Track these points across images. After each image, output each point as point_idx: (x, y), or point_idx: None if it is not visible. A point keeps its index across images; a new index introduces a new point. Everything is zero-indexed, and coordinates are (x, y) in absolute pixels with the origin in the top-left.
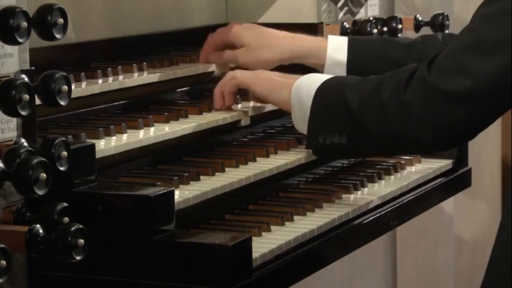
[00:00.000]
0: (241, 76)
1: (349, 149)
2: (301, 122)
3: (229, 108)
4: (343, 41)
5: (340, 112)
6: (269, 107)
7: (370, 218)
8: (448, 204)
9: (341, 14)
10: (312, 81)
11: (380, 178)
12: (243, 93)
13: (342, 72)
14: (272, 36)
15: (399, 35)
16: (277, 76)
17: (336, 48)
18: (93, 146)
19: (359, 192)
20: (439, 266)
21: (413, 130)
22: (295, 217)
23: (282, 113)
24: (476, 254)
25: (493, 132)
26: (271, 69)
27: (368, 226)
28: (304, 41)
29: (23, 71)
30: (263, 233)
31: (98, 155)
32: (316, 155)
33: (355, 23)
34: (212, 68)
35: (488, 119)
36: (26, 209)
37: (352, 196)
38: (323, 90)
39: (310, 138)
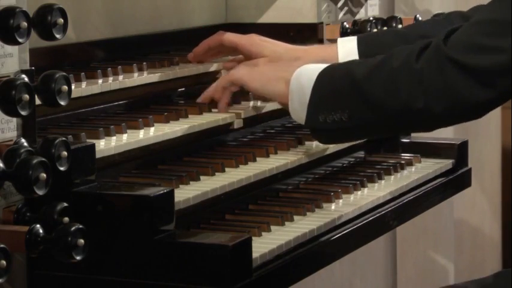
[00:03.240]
0: (237, 72)
1: (350, 126)
2: (299, 108)
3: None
4: (353, 45)
5: (344, 86)
6: (268, 107)
7: (370, 218)
8: (448, 204)
9: (341, 14)
10: (315, 67)
11: (380, 178)
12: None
13: None
14: (290, 48)
15: None
16: (273, 69)
17: (347, 54)
18: (93, 146)
19: (359, 192)
20: (439, 266)
21: (423, 99)
22: (295, 217)
23: (282, 113)
24: (476, 254)
25: (493, 132)
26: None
27: (368, 226)
28: (316, 52)
29: (23, 71)
30: (263, 233)
31: (98, 155)
32: (316, 137)
33: (355, 23)
34: (212, 67)
35: (499, 98)
36: (26, 209)
37: (352, 196)
38: (327, 71)
39: (309, 118)
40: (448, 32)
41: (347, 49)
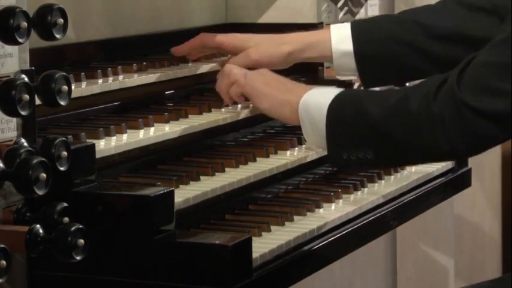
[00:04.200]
0: (245, 87)
1: (376, 161)
2: (313, 136)
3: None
4: (346, 30)
5: (361, 127)
6: None
7: (370, 218)
8: (448, 204)
9: (341, 14)
10: (320, 97)
11: (380, 178)
12: None
13: (351, 61)
14: (276, 36)
15: None
16: (278, 92)
17: (340, 39)
18: (93, 146)
19: (359, 192)
20: (439, 266)
21: (447, 142)
22: (295, 217)
23: None
24: (476, 254)
25: None
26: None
27: (368, 226)
28: (305, 35)
29: (23, 71)
30: (263, 233)
31: (98, 155)
32: (341, 170)
33: None
34: (212, 68)
35: None
36: (26, 209)
37: (352, 196)
38: (336, 106)
39: (332, 156)
40: (460, 72)
41: (340, 34)
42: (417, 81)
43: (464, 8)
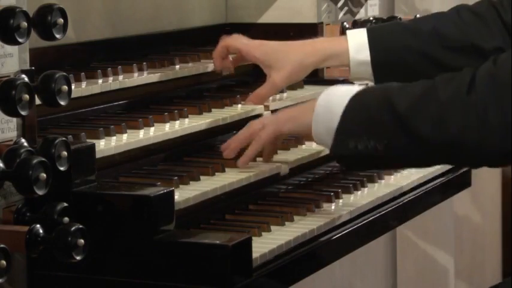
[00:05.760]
0: (266, 131)
1: (384, 155)
2: (324, 132)
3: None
4: (363, 38)
5: (384, 115)
6: (271, 106)
7: (370, 218)
8: (448, 204)
9: (341, 14)
10: (344, 91)
11: (380, 178)
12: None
13: (368, 69)
14: (295, 47)
15: None
16: (297, 108)
17: (358, 48)
18: (93, 146)
19: (359, 192)
20: (439, 266)
21: (476, 133)
22: (295, 217)
23: None
24: (476, 254)
25: None
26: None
27: (368, 226)
28: (324, 46)
29: (23, 71)
30: (263, 233)
31: (98, 155)
32: (342, 163)
33: (355, 23)
34: (212, 68)
35: None
36: (26, 209)
37: (352, 196)
38: (360, 96)
39: (337, 144)
40: (494, 57)
41: (358, 43)
42: (444, 74)
43: (476, 17)
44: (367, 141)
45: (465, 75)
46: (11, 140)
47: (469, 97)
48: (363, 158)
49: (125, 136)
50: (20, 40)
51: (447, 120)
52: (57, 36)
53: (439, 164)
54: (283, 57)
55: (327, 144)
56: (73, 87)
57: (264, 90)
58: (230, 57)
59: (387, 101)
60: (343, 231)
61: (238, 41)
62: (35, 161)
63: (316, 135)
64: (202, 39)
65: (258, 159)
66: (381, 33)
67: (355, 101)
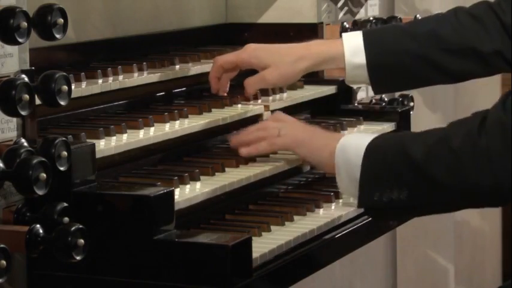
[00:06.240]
0: (282, 141)
1: (409, 205)
2: (348, 183)
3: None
4: (359, 41)
5: (400, 165)
6: (272, 106)
7: (370, 218)
8: None
9: (341, 14)
10: (359, 139)
11: None
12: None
13: (364, 73)
14: (290, 50)
15: None
16: (317, 137)
17: (353, 52)
18: (93, 146)
19: None
20: (439, 266)
21: (491, 178)
22: (295, 217)
23: None
24: (476, 255)
25: None
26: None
27: (368, 226)
28: (320, 49)
29: (23, 71)
30: (263, 233)
31: (98, 155)
32: (369, 214)
33: (355, 23)
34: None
35: None
36: (26, 209)
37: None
38: (376, 145)
39: (363, 197)
40: (503, 102)
41: (353, 46)
42: (455, 121)
43: (474, 20)
44: (390, 192)
45: (475, 120)
46: (11, 140)
47: (480, 143)
48: (390, 208)
49: (125, 136)
50: (20, 40)
51: (461, 167)
52: (57, 36)
53: (464, 208)
54: (278, 59)
55: (353, 194)
56: (73, 87)
57: (252, 83)
58: (224, 78)
59: (403, 151)
60: (343, 231)
61: (230, 55)
62: (35, 161)
63: (341, 184)
64: (202, 39)
65: (258, 159)
66: (377, 36)
67: (372, 152)
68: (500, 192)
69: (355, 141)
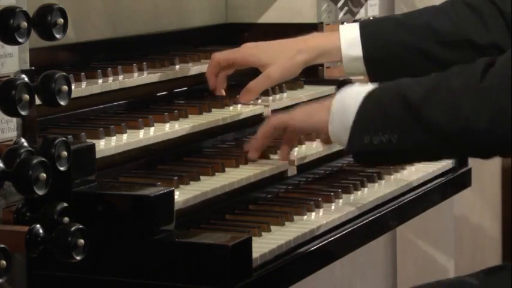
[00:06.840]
0: (276, 117)
1: (399, 148)
2: (341, 130)
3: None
4: (355, 34)
5: (395, 107)
6: (272, 106)
7: (370, 218)
8: (448, 204)
9: (341, 14)
10: (359, 89)
11: (380, 178)
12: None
13: (361, 65)
14: (287, 44)
15: None
16: (312, 104)
17: (350, 44)
18: (93, 146)
19: (359, 192)
20: (439, 266)
21: (487, 118)
22: (295, 217)
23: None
24: (476, 254)
25: None
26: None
27: (368, 226)
28: (317, 42)
29: (23, 71)
30: (263, 233)
31: (98, 155)
32: (358, 159)
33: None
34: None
35: None
36: (26, 209)
37: (352, 196)
38: (374, 93)
39: (353, 140)
40: None
41: (350, 39)
42: (458, 65)
43: (472, 11)
44: (381, 135)
45: (478, 64)
46: (11, 140)
47: (483, 83)
48: (378, 153)
49: (124, 136)
50: (20, 40)
51: (459, 107)
52: (57, 36)
53: (450, 155)
54: (276, 54)
55: (343, 141)
56: (73, 87)
57: (259, 83)
58: (221, 76)
59: (400, 93)
60: (343, 231)
61: (228, 52)
62: (35, 161)
63: (333, 133)
64: (202, 39)
65: (258, 159)
66: (373, 28)
67: (369, 98)
68: (495, 137)
69: (356, 89)
